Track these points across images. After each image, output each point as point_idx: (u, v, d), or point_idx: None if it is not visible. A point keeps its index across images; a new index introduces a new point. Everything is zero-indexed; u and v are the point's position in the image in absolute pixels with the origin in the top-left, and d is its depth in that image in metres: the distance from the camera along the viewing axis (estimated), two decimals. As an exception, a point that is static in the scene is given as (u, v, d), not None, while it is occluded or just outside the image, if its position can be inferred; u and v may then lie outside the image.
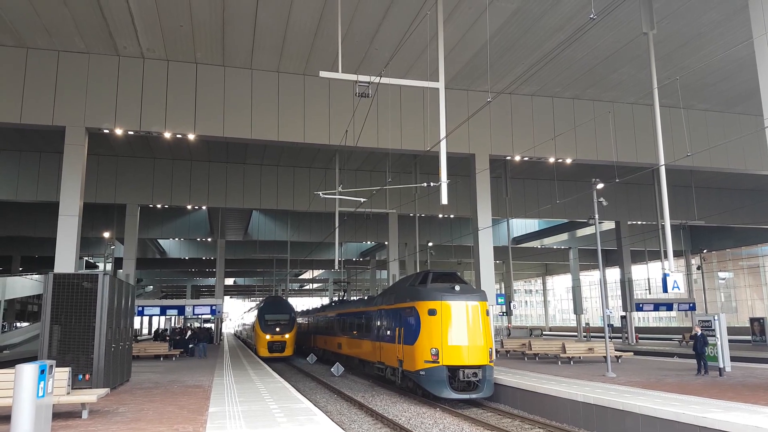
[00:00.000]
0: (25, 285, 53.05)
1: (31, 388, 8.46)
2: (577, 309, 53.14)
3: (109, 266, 46.29)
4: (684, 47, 21.26)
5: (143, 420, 10.63)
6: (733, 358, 25.35)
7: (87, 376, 13.80)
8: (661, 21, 19.21)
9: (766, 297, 56.37)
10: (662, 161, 16.30)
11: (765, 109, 14.41)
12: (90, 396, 10.81)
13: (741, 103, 26.66)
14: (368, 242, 48.16)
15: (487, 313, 17.53)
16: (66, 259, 19.86)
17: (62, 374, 10.95)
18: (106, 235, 39.77)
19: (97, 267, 62.66)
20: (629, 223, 42.19)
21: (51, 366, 9.40)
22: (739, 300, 58.71)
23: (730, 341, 33.58)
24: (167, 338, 32.38)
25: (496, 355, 26.92)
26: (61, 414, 11.48)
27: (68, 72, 20.85)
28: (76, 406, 12.43)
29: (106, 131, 21.21)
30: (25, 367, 8.51)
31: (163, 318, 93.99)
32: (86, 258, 58.30)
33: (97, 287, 14.20)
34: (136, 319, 79.45)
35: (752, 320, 37.54)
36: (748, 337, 41.54)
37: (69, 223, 20.08)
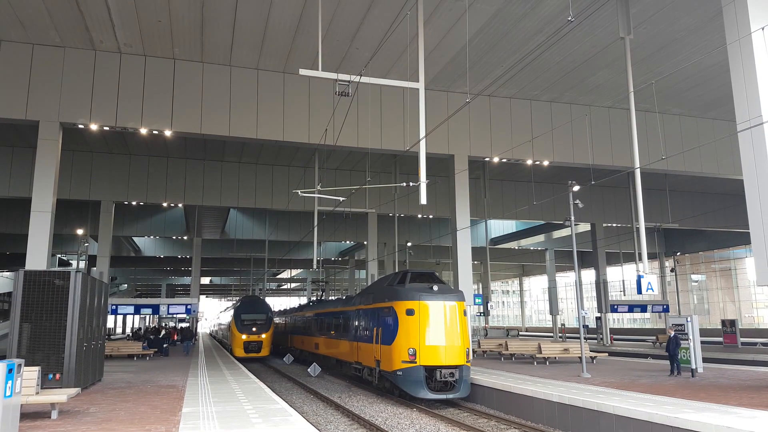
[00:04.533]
0: (-5, 282, 51.89)
1: (-2, 388, 8.26)
2: (553, 310, 53.69)
3: (82, 264, 45.50)
4: (660, 52, 21.58)
5: (114, 420, 10.45)
6: (705, 360, 25.81)
7: (57, 376, 13.53)
8: (638, 26, 19.47)
9: (737, 299, 57.53)
10: (637, 164, 16.50)
11: (737, 114, 14.68)
12: (60, 396, 10.59)
13: (715, 108, 27.15)
14: (347, 242, 48.08)
15: (465, 314, 17.60)
16: (38, 256, 19.45)
17: (31, 373, 10.71)
18: (80, 232, 39.09)
19: (70, 264, 61.56)
20: (604, 225, 42.73)
21: (20, 365, 9.19)
22: (711, 302, 59.83)
23: (702, 343, 34.15)
24: (151, 338, 31.89)
25: (473, 356, 27.04)
26: (29, 414, 11.23)
27: (43, 66, 20.43)
28: (45, 406, 12.18)
29: (81, 126, 20.82)
30: (-8, 366, 8.30)
31: (137, 317, 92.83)
32: (59, 255, 57.24)
33: (70, 285, 13.93)
34: (110, 318, 78.28)
35: (723, 322, 38.26)
36: (720, 339, 42.32)
37: (41, 220, 19.67)
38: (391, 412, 15.53)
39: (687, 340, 18.42)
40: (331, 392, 19.83)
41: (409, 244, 46.19)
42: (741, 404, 11.80)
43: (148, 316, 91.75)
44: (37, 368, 10.89)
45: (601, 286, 41.83)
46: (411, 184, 18.45)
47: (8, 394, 8.52)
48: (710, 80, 24.16)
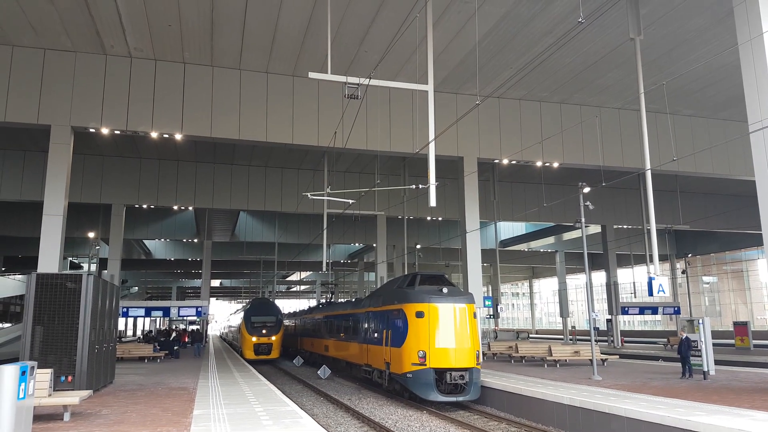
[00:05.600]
0: (7, 285, 52.40)
1: (12, 390, 8.33)
2: (564, 312, 53.45)
3: (93, 267, 45.84)
4: (670, 53, 21.45)
5: (126, 422, 10.51)
6: (716, 362, 25.60)
7: (69, 378, 13.63)
8: (648, 27, 19.38)
9: (749, 301, 56.99)
10: (648, 166, 16.41)
11: (749, 115, 14.57)
12: (72, 398, 10.66)
13: (726, 109, 26.94)
14: (356, 244, 48.12)
15: (475, 316, 17.56)
16: (50, 259, 19.61)
17: (44, 376, 10.79)
18: (91, 235, 39.37)
19: (81, 267, 62.03)
20: (615, 227, 42.48)
21: (32, 367, 9.27)
22: (723, 304, 59.31)
23: (713, 345, 33.83)
24: (161, 340, 32.15)
25: (483, 358, 26.96)
26: (42, 416, 11.32)
27: (54, 70, 20.62)
28: (57, 408, 12.27)
29: (92, 130, 20.99)
30: (5, 368, 8.38)
31: (148, 320, 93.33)
32: (71, 258, 57.71)
33: (81, 288, 14.03)
34: (121, 321, 78.75)
35: (736, 324, 37.92)
36: (732, 341, 41.96)
37: (53, 223, 19.84)
38: (402, 415, 15.52)
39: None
40: (341, 394, 19.84)
41: (418, 246, 46.15)
42: (754, 407, 11.70)
43: (158, 319, 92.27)
44: (49, 371, 10.97)
45: (611, 288, 41.58)
46: (420, 186, 18.47)
47: (21, 396, 8.59)
48: (721, 81, 23.99)
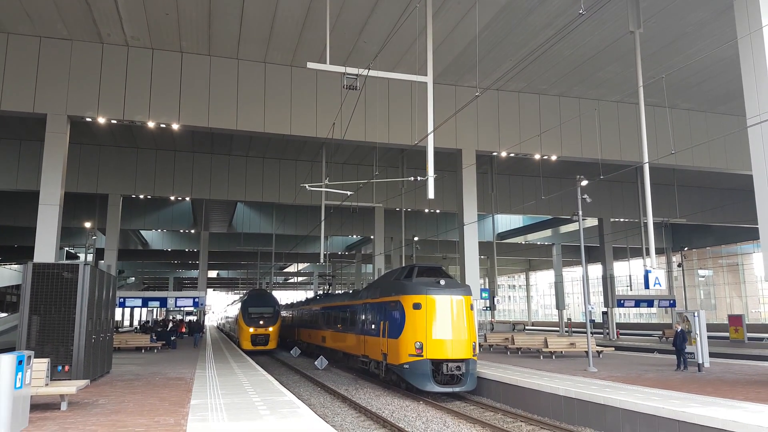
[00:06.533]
0: (3, 275, 52.35)
1: (9, 379, 8.34)
2: (560, 304, 53.62)
3: (90, 257, 45.76)
4: (670, 46, 21.42)
5: (123, 412, 10.53)
6: (711, 354, 25.75)
7: (66, 368, 13.64)
8: (648, 20, 19.32)
9: (744, 295, 57.25)
10: (646, 159, 16.42)
11: (748, 109, 14.58)
12: (69, 387, 10.67)
13: (724, 103, 26.94)
14: (354, 236, 48.11)
15: (472, 308, 17.60)
16: (46, 249, 19.57)
17: (41, 365, 10.79)
18: (88, 225, 39.27)
19: (78, 257, 61.93)
20: (612, 220, 42.55)
21: (29, 357, 9.27)
22: (718, 297, 59.58)
23: (708, 338, 34.00)
24: (158, 331, 32.19)
25: (480, 349, 27.05)
26: (39, 406, 11.33)
27: (50, 59, 20.48)
28: (54, 397, 12.28)
29: (88, 120, 20.89)
30: (2, 357, 8.38)
31: (144, 310, 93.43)
32: (67, 248, 57.60)
33: (78, 278, 14.01)
34: (118, 311, 78.74)
35: (731, 316, 38.12)
36: (727, 334, 42.18)
37: (49, 213, 19.77)
38: (398, 405, 15.58)
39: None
40: (338, 385, 19.90)
41: (416, 238, 46.18)
42: (748, 399, 11.77)
43: (155, 309, 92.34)
44: (46, 360, 10.97)
45: (608, 280, 41.71)
46: (418, 178, 18.44)
47: (18, 385, 8.60)
48: (720, 75, 23.97)
